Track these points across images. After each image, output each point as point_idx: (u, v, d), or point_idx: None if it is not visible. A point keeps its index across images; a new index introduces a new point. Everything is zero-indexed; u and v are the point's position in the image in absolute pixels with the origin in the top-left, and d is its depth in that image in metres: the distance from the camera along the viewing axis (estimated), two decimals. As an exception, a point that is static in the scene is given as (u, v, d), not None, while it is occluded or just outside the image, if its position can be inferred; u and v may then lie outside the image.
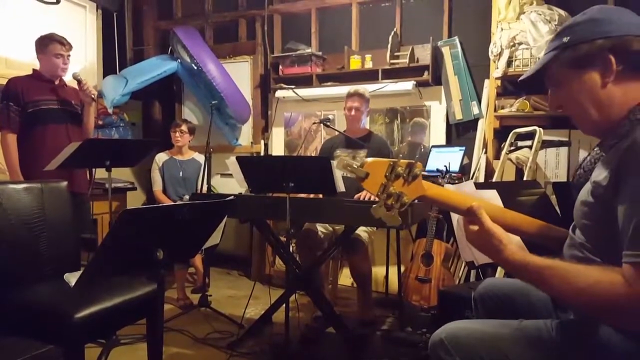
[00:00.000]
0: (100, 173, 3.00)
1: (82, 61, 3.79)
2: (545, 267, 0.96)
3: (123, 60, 4.39)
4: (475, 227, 1.07)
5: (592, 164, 1.08)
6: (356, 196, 2.70)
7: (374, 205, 1.03)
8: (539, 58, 3.07)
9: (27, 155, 2.75)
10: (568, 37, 1.04)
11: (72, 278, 1.84)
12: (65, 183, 2.17)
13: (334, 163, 2.38)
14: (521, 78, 1.21)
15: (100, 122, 3.98)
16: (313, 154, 4.08)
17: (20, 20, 3.22)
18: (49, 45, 2.76)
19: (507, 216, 1.17)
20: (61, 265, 1.98)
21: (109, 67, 4.15)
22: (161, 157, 3.75)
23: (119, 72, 4.16)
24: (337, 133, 3.23)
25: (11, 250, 1.86)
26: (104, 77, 4.00)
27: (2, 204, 1.86)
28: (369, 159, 1.03)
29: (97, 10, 3.96)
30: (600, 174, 0.98)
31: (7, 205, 1.88)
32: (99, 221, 3.50)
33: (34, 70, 2.85)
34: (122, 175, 4.02)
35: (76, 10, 3.74)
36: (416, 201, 1.11)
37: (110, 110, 3.89)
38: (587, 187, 1.03)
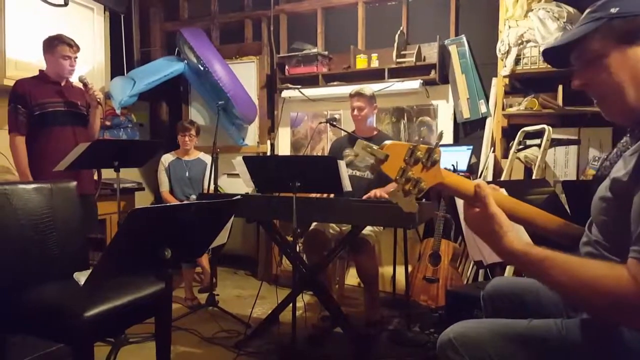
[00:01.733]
0: (108, 173, 3.02)
1: (90, 63, 3.81)
2: (546, 258, 0.92)
3: (130, 62, 4.41)
4: (476, 210, 1.03)
5: (617, 156, 1.05)
6: (365, 196, 2.70)
7: (391, 190, 1.00)
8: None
9: (35, 156, 2.77)
10: (617, 8, 0.97)
11: (81, 277, 1.85)
12: (74, 183, 2.18)
13: (342, 163, 2.38)
14: (550, 45, 1.11)
15: (108, 123, 4.01)
16: (319, 154, 4.08)
17: (29, 22, 3.25)
18: (57, 46, 2.78)
19: (520, 208, 1.13)
20: (70, 265, 1.99)
21: (116, 69, 4.18)
22: (167, 158, 3.77)
23: (127, 73, 4.18)
24: (343, 133, 3.23)
25: (21, 249, 1.87)
26: (111, 78, 4.03)
27: (12, 204, 1.87)
28: (389, 141, 0.99)
29: (104, 12, 3.98)
30: (620, 170, 0.95)
31: (17, 205, 1.89)
32: (107, 221, 3.52)
33: (40, 71, 2.86)
34: (130, 175, 4.04)
35: (84, 13, 3.76)
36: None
37: (118, 111, 3.91)
38: (606, 182, 1.00)
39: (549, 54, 1.13)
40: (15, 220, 1.87)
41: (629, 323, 0.90)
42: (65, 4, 3.54)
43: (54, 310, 1.72)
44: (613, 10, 0.97)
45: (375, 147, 0.98)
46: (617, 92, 0.98)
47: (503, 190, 1.24)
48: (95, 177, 3.21)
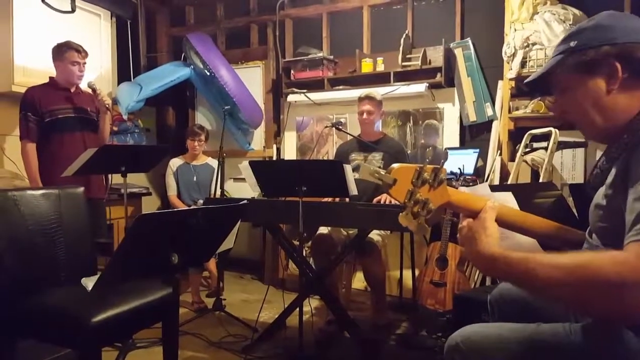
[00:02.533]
0: (115, 179, 3.04)
1: (97, 69, 3.84)
2: (528, 257, 0.90)
3: (137, 67, 4.44)
4: (469, 220, 1.04)
5: (607, 163, 1.06)
6: (375, 199, 2.69)
7: (400, 214, 1.01)
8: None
9: (46, 163, 2.80)
10: (575, 42, 1.04)
11: (89, 282, 1.86)
12: (82, 189, 2.20)
13: (348, 167, 2.38)
14: (526, 81, 1.19)
15: (115, 129, 4.03)
16: (325, 158, 4.08)
17: (37, 29, 3.28)
18: (66, 53, 2.81)
19: (528, 221, 1.14)
20: (78, 270, 2.00)
21: (123, 74, 4.21)
22: (175, 162, 3.79)
23: (133, 79, 4.21)
24: (349, 137, 3.23)
25: (29, 255, 1.88)
26: (118, 84, 4.05)
27: (20, 210, 1.89)
28: (396, 165, 1.01)
29: (111, 19, 4.01)
30: (611, 176, 0.97)
31: (25, 211, 1.91)
32: (115, 226, 3.54)
33: (50, 78, 2.90)
34: (137, 180, 4.07)
35: (91, 19, 3.79)
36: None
37: (125, 117, 3.94)
38: (602, 190, 1.02)
39: (531, 87, 1.21)
40: (24, 226, 1.89)
41: (630, 312, 0.82)
42: (73, 11, 3.57)
43: (61, 315, 1.73)
44: (572, 44, 1.04)
45: (382, 172, 1.00)
46: (586, 119, 1.04)
47: (506, 201, 1.24)
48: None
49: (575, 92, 1.04)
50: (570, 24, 2.93)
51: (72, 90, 2.89)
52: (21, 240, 1.87)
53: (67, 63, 2.81)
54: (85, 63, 2.89)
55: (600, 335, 1.02)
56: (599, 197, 1.02)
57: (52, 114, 2.80)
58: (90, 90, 2.89)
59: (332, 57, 4.06)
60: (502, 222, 1.07)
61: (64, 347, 2.13)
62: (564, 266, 0.85)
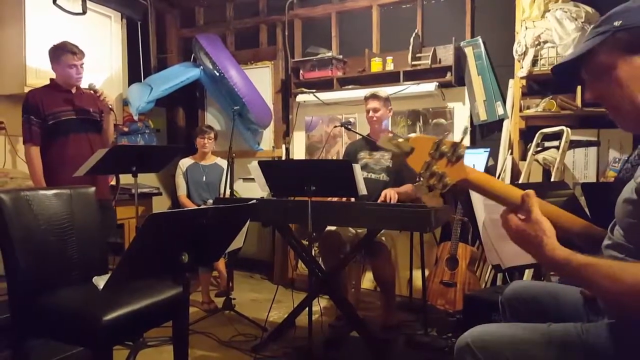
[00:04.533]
0: (126, 179, 3.06)
1: (108, 70, 3.88)
2: (589, 264, 0.91)
3: (147, 68, 4.48)
4: (520, 217, 1.00)
5: (639, 157, 1.04)
6: (380, 199, 2.69)
7: (416, 183, 1.00)
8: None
9: (51, 165, 2.79)
10: (620, 21, 1.00)
11: (100, 281, 1.88)
12: (93, 189, 2.22)
13: (357, 167, 2.38)
14: (556, 64, 1.15)
15: (125, 129, 4.07)
16: (334, 158, 4.08)
17: (48, 30, 3.32)
18: (61, 56, 2.78)
19: (562, 217, 1.11)
20: (89, 269, 2.02)
21: (134, 75, 4.24)
22: (185, 163, 3.81)
23: (144, 79, 4.24)
24: (358, 136, 3.22)
25: (41, 254, 1.90)
26: (129, 85, 4.09)
27: (33, 210, 1.91)
28: (414, 134, 1.00)
29: (121, 20, 4.05)
30: None
31: (38, 210, 1.93)
32: (126, 226, 3.57)
33: (51, 79, 2.89)
34: (148, 180, 4.10)
35: (102, 20, 3.83)
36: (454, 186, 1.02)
37: (135, 117, 3.97)
38: (631, 184, 0.99)
39: (558, 72, 1.16)
40: (36, 226, 1.91)
41: None
42: (84, 13, 3.61)
43: (73, 314, 1.75)
44: (616, 23, 1.00)
45: (401, 139, 0.98)
46: (630, 102, 1.00)
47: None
48: (113, 183, 3.26)
49: (619, 73, 1.00)
50: (582, 22, 2.90)
51: (74, 91, 2.87)
52: (34, 240, 1.89)
53: (64, 66, 2.79)
54: (82, 64, 2.85)
55: (614, 335, 1.00)
56: (628, 191, 0.99)
57: (55, 116, 2.78)
58: (91, 91, 2.86)
59: (341, 56, 4.06)
60: None
61: (76, 346, 2.15)
62: (621, 282, 0.87)
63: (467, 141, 3.61)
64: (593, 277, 0.91)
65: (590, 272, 0.91)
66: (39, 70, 3.24)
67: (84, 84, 2.92)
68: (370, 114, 3.01)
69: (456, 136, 3.65)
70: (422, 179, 0.98)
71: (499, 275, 3.11)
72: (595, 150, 3.05)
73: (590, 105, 2.95)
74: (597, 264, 0.91)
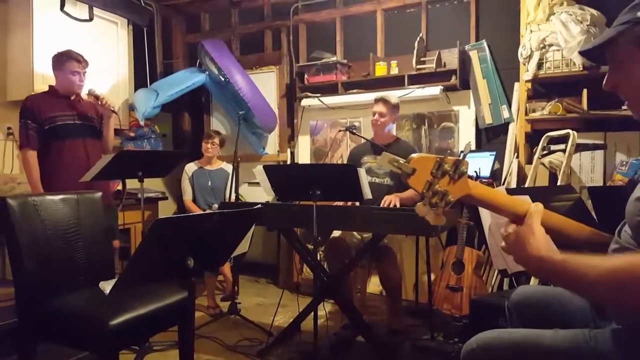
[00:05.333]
0: (132, 183, 3.07)
1: (115, 75, 3.91)
2: (577, 260, 0.88)
3: (153, 74, 4.51)
4: (515, 226, 0.99)
5: None
6: (382, 203, 2.68)
7: (418, 204, 0.98)
8: (570, 59, 2.99)
9: (47, 170, 2.80)
10: None
11: (106, 286, 1.89)
12: (99, 194, 2.23)
13: (362, 171, 2.38)
14: (581, 49, 1.15)
15: (132, 134, 4.09)
16: (339, 162, 4.08)
17: (56, 37, 3.35)
18: (66, 63, 2.80)
19: (571, 227, 1.09)
20: (96, 274, 2.03)
21: (140, 81, 4.27)
22: (191, 167, 3.83)
23: (150, 85, 4.27)
24: (362, 140, 3.22)
25: (48, 259, 1.91)
26: (135, 90, 4.12)
27: (40, 215, 1.92)
28: (416, 155, 0.99)
29: (128, 26, 4.08)
30: None
31: (45, 216, 1.94)
32: (132, 230, 3.59)
33: (50, 86, 2.90)
34: (154, 185, 4.12)
35: (108, 27, 3.86)
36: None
37: (141, 123, 3.99)
38: None
39: (585, 56, 1.16)
40: (43, 231, 1.92)
41: None
42: (91, 19, 3.65)
43: (80, 318, 1.76)
44: (639, 14, 0.97)
45: (402, 160, 0.97)
46: None
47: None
48: (119, 188, 3.27)
49: (635, 65, 0.98)
50: (587, 25, 2.88)
51: (72, 97, 2.88)
52: (41, 245, 1.90)
53: (67, 73, 2.81)
54: (85, 72, 2.88)
55: (622, 342, 0.99)
56: None
57: (52, 121, 2.78)
58: (91, 98, 2.87)
59: (345, 61, 4.07)
60: (545, 227, 1.01)
61: (82, 350, 2.16)
62: (611, 268, 0.84)
63: (472, 145, 3.60)
64: (579, 269, 0.87)
65: (576, 264, 0.88)
66: (46, 77, 3.26)
67: (85, 90, 2.93)
68: (375, 117, 3.00)
69: (462, 140, 3.65)
70: (425, 197, 0.97)
71: (506, 280, 3.09)
72: (602, 153, 3.03)
73: (597, 108, 2.94)
74: (581, 257, 0.88)
